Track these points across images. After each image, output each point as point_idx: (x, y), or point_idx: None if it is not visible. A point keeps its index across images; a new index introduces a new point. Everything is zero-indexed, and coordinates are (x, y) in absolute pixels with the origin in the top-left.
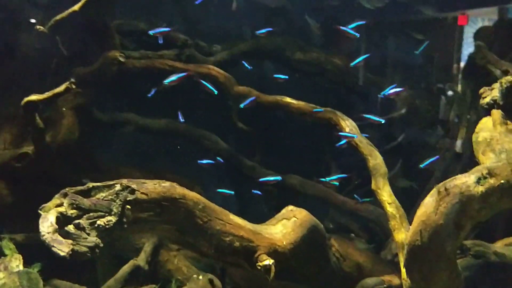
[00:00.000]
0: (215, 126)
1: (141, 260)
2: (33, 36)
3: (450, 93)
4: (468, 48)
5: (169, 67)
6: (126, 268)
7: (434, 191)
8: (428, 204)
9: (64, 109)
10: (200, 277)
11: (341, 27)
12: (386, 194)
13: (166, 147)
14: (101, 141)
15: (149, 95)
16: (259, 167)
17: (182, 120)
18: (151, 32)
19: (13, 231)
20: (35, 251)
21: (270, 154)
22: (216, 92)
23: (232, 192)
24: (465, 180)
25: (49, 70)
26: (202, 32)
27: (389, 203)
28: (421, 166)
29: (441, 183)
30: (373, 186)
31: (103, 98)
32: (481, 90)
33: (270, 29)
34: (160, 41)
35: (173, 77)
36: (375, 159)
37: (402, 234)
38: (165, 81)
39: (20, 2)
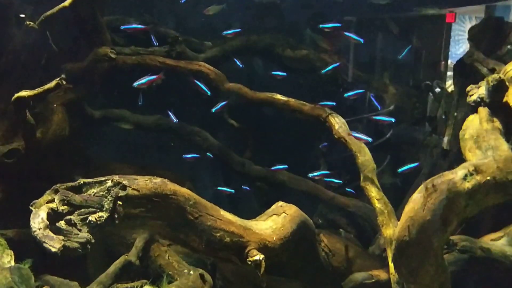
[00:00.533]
0: (206, 122)
1: (132, 255)
2: (23, 32)
3: (437, 90)
4: (455, 45)
5: (160, 64)
6: (117, 264)
7: (422, 188)
8: (416, 200)
9: (54, 105)
10: (191, 272)
11: (346, 33)
12: (374, 190)
13: (157, 143)
14: (92, 137)
15: (140, 103)
16: (249, 163)
17: (175, 120)
18: (122, 27)
19: (3, 227)
20: (26, 246)
21: (261, 150)
22: (209, 93)
23: (233, 191)
24: (452, 177)
25: (39, 66)
26: (193, 28)
27: (377, 199)
28: (399, 170)
29: (429, 180)
30: (362, 183)
31: (94, 94)
32: (468, 88)
33: (238, 30)
34: (156, 43)
35: (143, 80)
36: (364, 156)
37: (390, 230)
38: (134, 84)
39: None
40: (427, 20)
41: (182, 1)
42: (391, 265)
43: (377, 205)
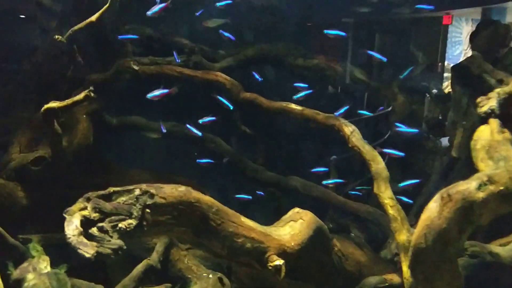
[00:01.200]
0: (220, 128)
1: (153, 259)
2: (47, 44)
3: (434, 91)
4: (452, 47)
5: (177, 73)
6: (140, 268)
7: (437, 197)
8: (432, 209)
9: (82, 115)
10: (210, 275)
11: (369, 51)
12: (387, 197)
13: (172, 150)
14: (109, 143)
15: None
16: (262, 169)
17: (199, 134)
18: (120, 37)
19: (29, 232)
20: (52, 251)
21: (273, 157)
22: (231, 107)
23: (250, 197)
24: (467, 187)
25: (65, 76)
26: (206, 37)
27: (390, 206)
28: (399, 185)
29: (444, 189)
30: (375, 190)
31: (112, 102)
32: (478, 100)
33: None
34: (177, 60)
35: (156, 93)
36: (378, 164)
37: (404, 236)
38: (148, 96)
39: (35, 10)
40: (424, 22)
41: (197, 14)
42: (404, 269)
43: (390, 211)
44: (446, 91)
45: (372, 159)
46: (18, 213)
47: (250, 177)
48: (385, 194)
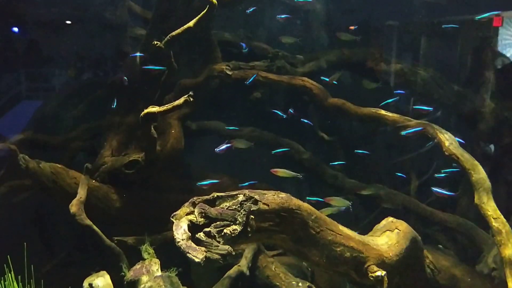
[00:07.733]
0: (299, 134)
1: (243, 266)
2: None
3: None
4: (502, 50)
5: (263, 79)
6: (232, 273)
7: None
8: None
9: (172, 119)
10: (300, 284)
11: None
12: (490, 209)
13: (250, 155)
14: (189, 148)
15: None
16: (342, 176)
17: None
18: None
19: (122, 234)
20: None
21: (353, 163)
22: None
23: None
24: None
25: (156, 81)
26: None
27: (494, 218)
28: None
29: None
30: (476, 201)
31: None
32: None
33: None
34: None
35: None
36: (478, 174)
37: (509, 250)
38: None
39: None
40: (474, 24)
41: (248, 11)
42: (510, 285)
43: (494, 224)
44: None
45: (472, 168)
46: (112, 215)
47: (330, 183)
48: (488, 206)
